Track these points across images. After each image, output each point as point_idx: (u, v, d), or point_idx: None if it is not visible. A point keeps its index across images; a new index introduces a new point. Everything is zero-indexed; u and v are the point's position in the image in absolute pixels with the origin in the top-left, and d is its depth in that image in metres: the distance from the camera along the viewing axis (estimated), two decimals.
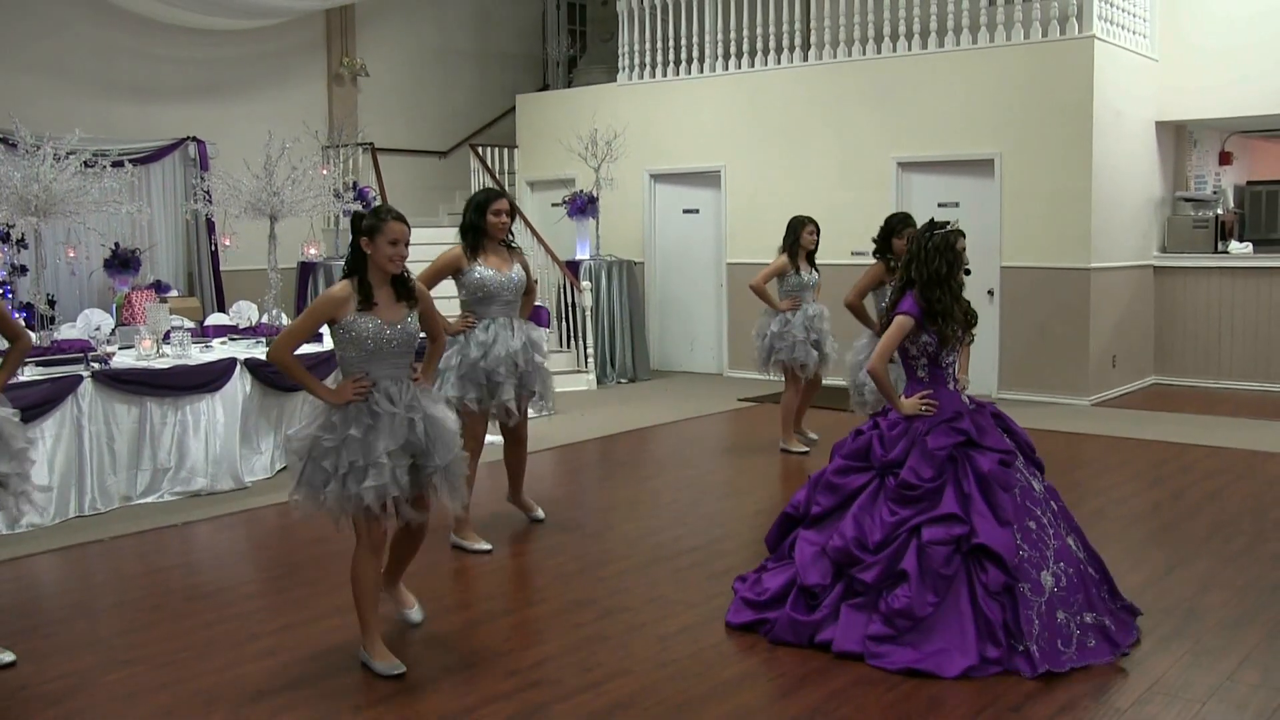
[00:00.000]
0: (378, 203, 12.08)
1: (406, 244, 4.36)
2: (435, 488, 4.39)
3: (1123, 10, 10.88)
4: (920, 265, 4.75)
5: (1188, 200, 12.02)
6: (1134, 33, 11.14)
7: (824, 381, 8.72)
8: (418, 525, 4.58)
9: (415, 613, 4.85)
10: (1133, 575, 5.30)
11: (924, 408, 4.70)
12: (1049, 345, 10.47)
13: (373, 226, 4.32)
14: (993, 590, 4.36)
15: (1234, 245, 11.68)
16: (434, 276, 5.86)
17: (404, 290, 4.42)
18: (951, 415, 4.67)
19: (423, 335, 4.57)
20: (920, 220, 5.44)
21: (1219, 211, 11.89)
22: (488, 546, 6.00)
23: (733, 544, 6.15)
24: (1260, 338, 11.28)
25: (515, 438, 6.35)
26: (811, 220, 8.28)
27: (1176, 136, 12.17)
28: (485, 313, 5.99)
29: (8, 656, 4.50)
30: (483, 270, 5.94)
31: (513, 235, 6.13)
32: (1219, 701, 4.07)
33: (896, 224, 7.03)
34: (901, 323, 4.72)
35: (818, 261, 8.41)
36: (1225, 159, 12.77)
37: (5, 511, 4.47)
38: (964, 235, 4.84)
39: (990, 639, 4.32)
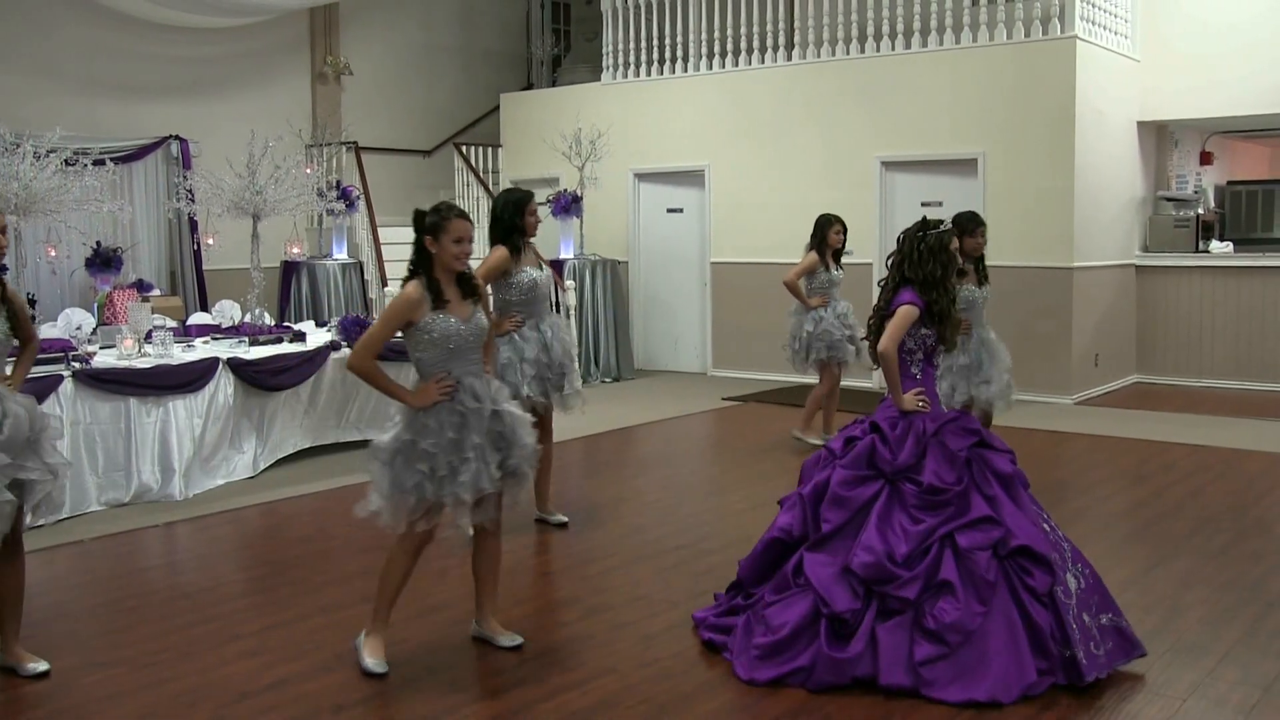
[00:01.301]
0: (361, 202, 12.08)
1: (470, 240, 4.33)
2: (522, 478, 4.40)
3: (1104, 11, 10.93)
4: (914, 267, 4.66)
5: (1169, 200, 12.08)
6: (1115, 33, 11.19)
7: (848, 383, 8.77)
8: (490, 536, 4.52)
9: (512, 638, 4.62)
10: (1115, 573, 5.31)
11: (920, 404, 4.56)
12: (1032, 344, 10.51)
13: (436, 225, 4.27)
14: (1040, 594, 4.14)
15: (1215, 245, 11.75)
16: (486, 279, 5.83)
17: (468, 286, 4.39)
18: (952, 415, 4.59)
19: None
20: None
21: (1200, 211, 11.96)
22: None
23: (716, 543, 6.15)
24: (1240, 336, 11.35)
25: (546, 432, 6.27)
26: (839, 219, 8.35)
27: (1158, 136, 12.23)
28: (531, 312, 6.03)
29: (41, 665, 4.40)
30: (531, 271, 6.00)
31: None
32: (1199, 698, 4.09)
33: (966, 222, 6.69)
34: (908, 312, 4.56)
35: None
36: (1206, 159, 12.85)
37: (34, 512, 4.44)
38: (955, 234, 4.78)
39: (1041, 650, 4.10)
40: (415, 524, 4.26)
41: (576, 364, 6.33)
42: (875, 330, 4.75)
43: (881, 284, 4.84)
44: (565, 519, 6.44)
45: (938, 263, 4.63)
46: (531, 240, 6.13)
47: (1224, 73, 11.14)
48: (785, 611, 4.32)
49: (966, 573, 4.17)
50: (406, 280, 4.34)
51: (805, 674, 4.20)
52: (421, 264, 4.31)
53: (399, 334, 4.38)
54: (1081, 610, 4.21)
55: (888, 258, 4.85)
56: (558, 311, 6.46)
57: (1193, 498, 7.08)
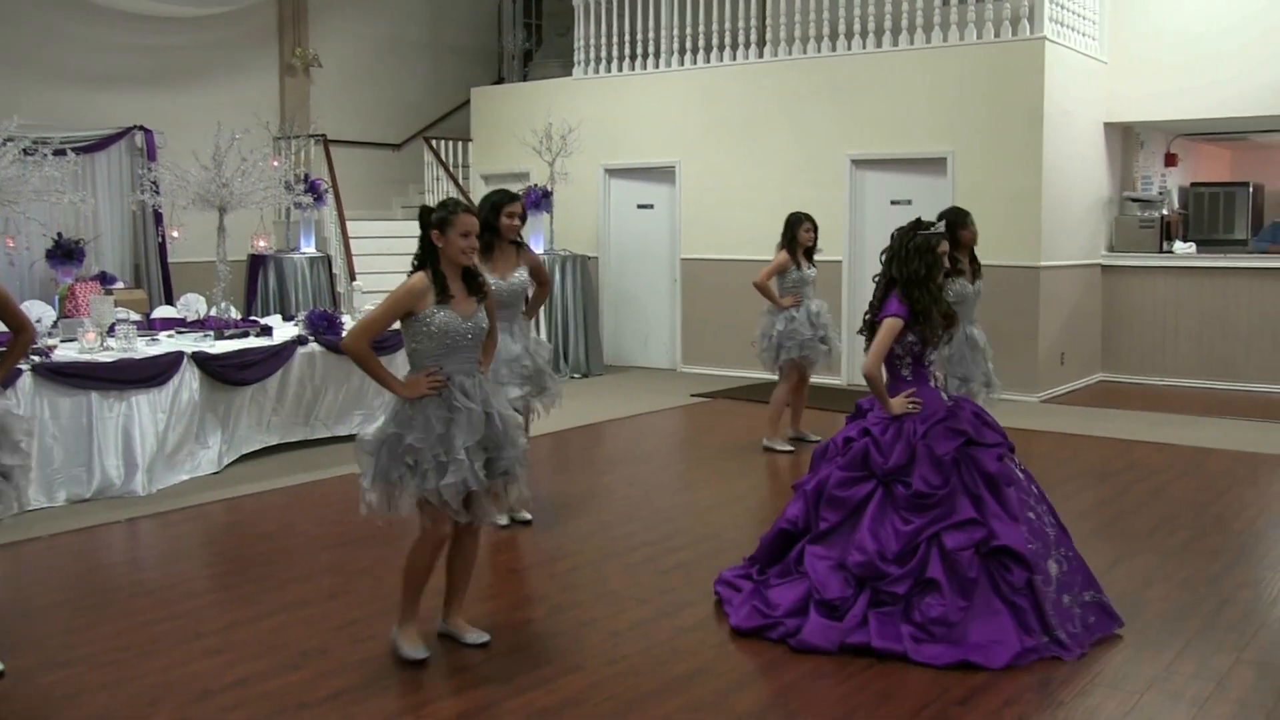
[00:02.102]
0: (329, 195, 12.01)
1: (477, 235, 4.34)
2: (514, 479, 4.40)
3: (1073, 13, 11.01)
4: (900, 264, 4.81)
5: (1134, 201, 12.19)
6: (1084, 35, 11.28)
7: (811, 379, 8.69)
8: (471, 534, 4.52)
9: (479, 635, 4.63)
10: None
11: (910, 406, 4.74)
12: (999, 342, 10.47)
13: (444, 219, 4.29)
14: (1017, 588, 4.44)
15: (1178, 245, 11.86)
16: None
17: (474, 284, 4.39)
18: (944, 415, 4.73)
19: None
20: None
21: (1164, 212, 12.07)
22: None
23: (684, 539, 6.16)
24: (1203, 336, 11.47)
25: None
26: (809, 217, 8.28)
27: (1124, 138, 12.34)
28: (504, 316, 5.97)
29: None
30: (494, 280, 5.86)
31: (521, 236, 6.14)
32: (1156, 692, 4.14)
33: (957, 217, 6.65)
34: (892, 325, 4.74)
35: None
36: (1170, 160, 12.97)
37: (4, 504, 4.36)
38: (945, 238, 4.90)
39: (1026, 630, 4.40)
40: (440, 524, 4.29)
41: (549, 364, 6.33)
42: (869, 325, 4.94)
43: (875, 279, 5.01)
44: (529, 516, 6.42)
45: (923, 262, 4.78)
46: (516, 243, 6.07)
47: (1189, 77, 11.25)
48: (783, 594, 4.70)
49: (951, 570, 4.46)
50: (411, 273, 4.34)
51: (789, 630, 4.55)
52: (427, 258, 4.32)
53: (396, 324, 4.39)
54: (1061, 593, 4.53)
55: (881, 253, 4.99)
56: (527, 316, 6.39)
57: (1155, 495, 7.15)
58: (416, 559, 4.41)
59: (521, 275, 6.07)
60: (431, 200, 13.41)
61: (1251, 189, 12.85)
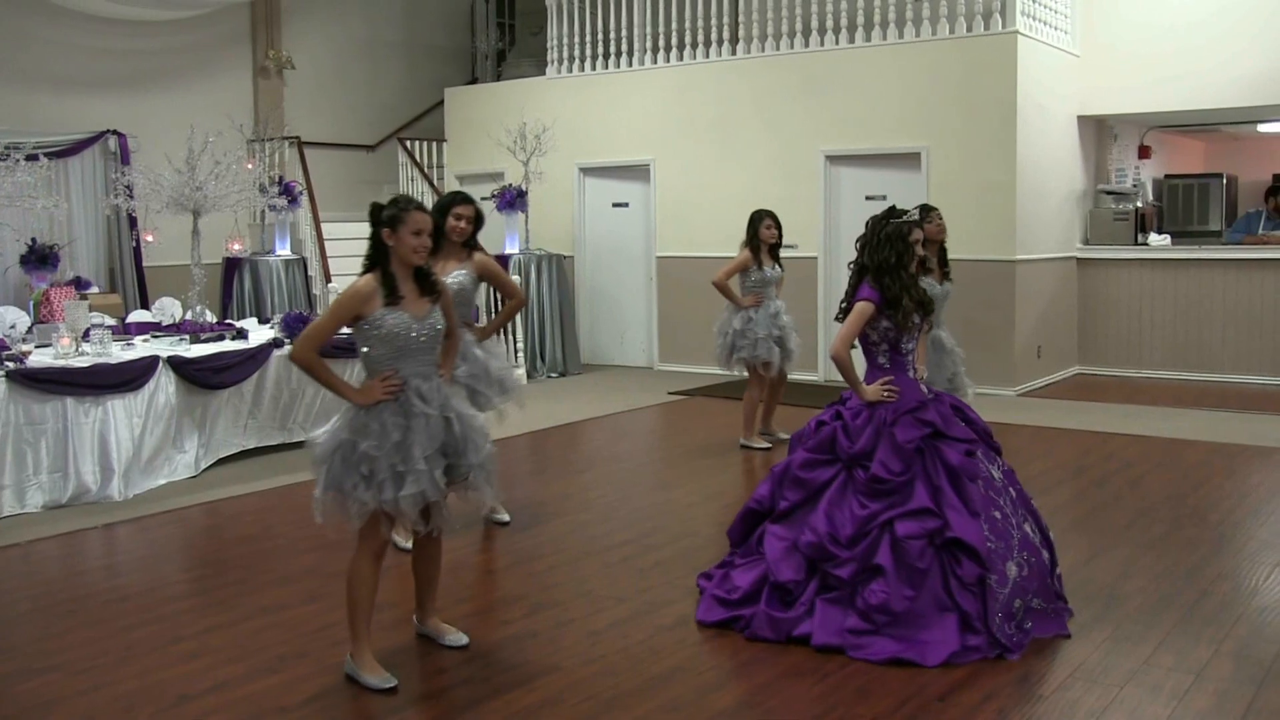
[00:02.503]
0: (304, 197, 11.95)
1: (430, 233, 4.20)
2: (475, 487, 4.28)
3: (1045, 7, 11.05)
4: (872, 251, 4.80)
5: (1109, 193, 12.25)
6: (1056, 29, 11.32)
7: (789, 377, 8.66)
8: (435, 538, 4.42)
9: (458, 637, 4.58)
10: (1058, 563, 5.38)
11: (886, 394, 4.72)
12: (975, 336, 10.60)
13: (394, 217, 4.14)
14: (967, 583, 4.40)
15: (1153, 237, 11.93)
16: None
17: (426, 284, 4.25)
18: (915, 405, 4.70)
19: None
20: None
21: (1139, 204, 12.14)
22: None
23: (662, 538, 6.16)
24: (1178, 328, 11.54)
25: None
26: (770, 214, 8.19)
27: (1097, 131, 12.40)
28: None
29: None
30: (456, 275, 5.79)
31: (476, 240, 5.99)
32: (1136, 685, 4.16)
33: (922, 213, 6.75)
34: (862, 309, 4.73)
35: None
36: (1144, 153, 13.04)
37: None
38: (920, 226, 4.90)
39: (969, 629, 4.37)
40: (377, 530, 4.16)
41: (511, 365, 6.26)
42: (845, 314, 4.91)
43: (850, 266, 4.99)
44: (508, 517, 6.40)
45: (893, 250, 4.76)
46: (469, 245, 5.90)
47: (1161, 70, 11.30)
48: (743, 576, 4.77)
49: (899, 558, 4.43)
50: (363, 274, 4.23)
51: (745, 623, 4.62)
52: (378, 258, 4.19)
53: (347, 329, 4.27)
54: (1014, 596, 4.48)
55: (856, 240, 4.98)
56: (477, 319, 6.29)
57: (1132, 488, 7.18)
58: (358, 574, 4.22)
59: (460, 275, 5.81)
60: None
61: (1225, 180, 12.94)
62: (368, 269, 4.21)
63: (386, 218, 4.17)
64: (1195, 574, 5.41)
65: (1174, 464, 7.84)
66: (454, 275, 5.80)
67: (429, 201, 11.75)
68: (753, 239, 8.12)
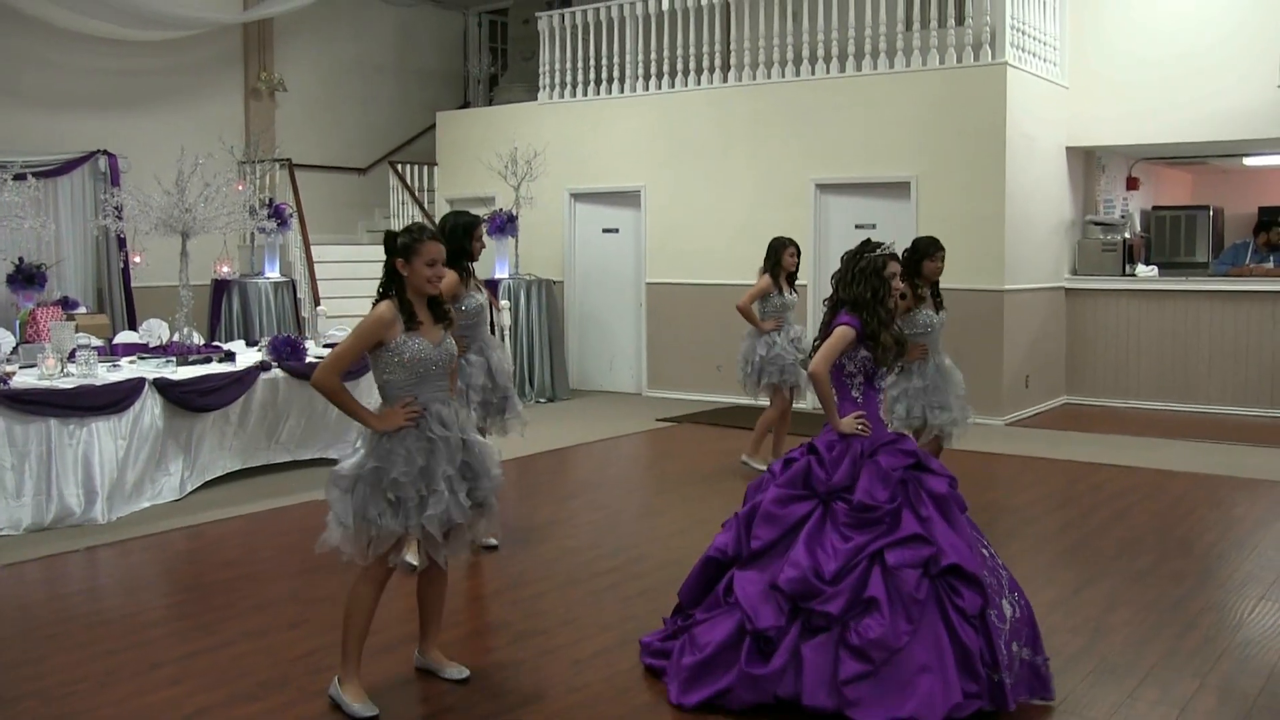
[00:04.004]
0: (294, 219, 11.94)
1: (443, 263, 4.24)
2: (490, 508, 4.30)
3: (1034, 39, 11.13)
4: (846, 286, 4.66)
5: (1097, 224, 12.31)
6: (1045, 60, 11.40)
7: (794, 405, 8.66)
8: (443, 565, 4.40)
9: (458, 670, 4.52)
10: (1043, 594, 5.38)
11: (860, 427, 4.51)
12: (963, 366, 10.48)
13: (408, 246, 4.15)
14: (970, 615, 4.06)
15: (1141, 268, 11.98)
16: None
17: (439, 311, 4.29)
18: (892, 438, 4.52)
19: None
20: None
21: (1126, 235, 12.20)
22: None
23: (649, 565, 6.14)
24: (1166, 358, 11.58)
25: None
26: (793, 242, 8.28)
27: (1086, 162, 12.47)
28: (475, 336, 6.02)
29: None
30: (477, 296, 6.01)
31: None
32: (1120, 719, 4.14)
33: (926, 247, 6.74)
34: (844, 332, 4.56)
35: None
36: (1132, 184, 13.11)
37: None
38: (897, 259, 4.73)
39: (969, 673, 4.02)
40: (383, 556, 4.15)
41: (513, 386, 6.36)
42: (817, 349, 4.72)
43: (825, 302, 4.84)
44: (495, 542, 6.38)
45: (868, 285, 4.60)
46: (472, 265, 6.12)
47: (1149, 102, 11.39)
48: (711, 630, 4.30)
49: (894, 590, 4.08)
50: (376, 302, 4.24)
51: (725, 694, 4.18)
52: (393, 286, 4.20)
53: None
54: (1013, 638, 4.18)
55: (832, 276, 4.83)
56: (493, 333, 6.46)
57: (1119, 519, 7.19)
58: (358, 599, 4.22)
59: (482, 296, 6.09)
60: (397, 225, 13.38)
61: (1212, 212, 13.02)
62: (381, 297, 4.23)
63: (401, 247, 4.18)
64: (1181, 606, 5.40)
65: (1160, 495, 7.84)
66: (479, 296, 6.03)
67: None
68: (774, 266, 8.20)
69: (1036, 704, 4.23)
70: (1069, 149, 11.94)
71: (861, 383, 4.63)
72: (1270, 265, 11.61)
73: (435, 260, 4.19)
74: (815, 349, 4.73)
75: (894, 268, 4.67)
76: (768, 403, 8.43)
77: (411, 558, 4.66)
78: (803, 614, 4.14)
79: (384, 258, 4.25)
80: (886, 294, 4.62)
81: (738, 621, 4.24)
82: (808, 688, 4.05)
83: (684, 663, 4.30)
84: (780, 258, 8.20)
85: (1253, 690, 4.40)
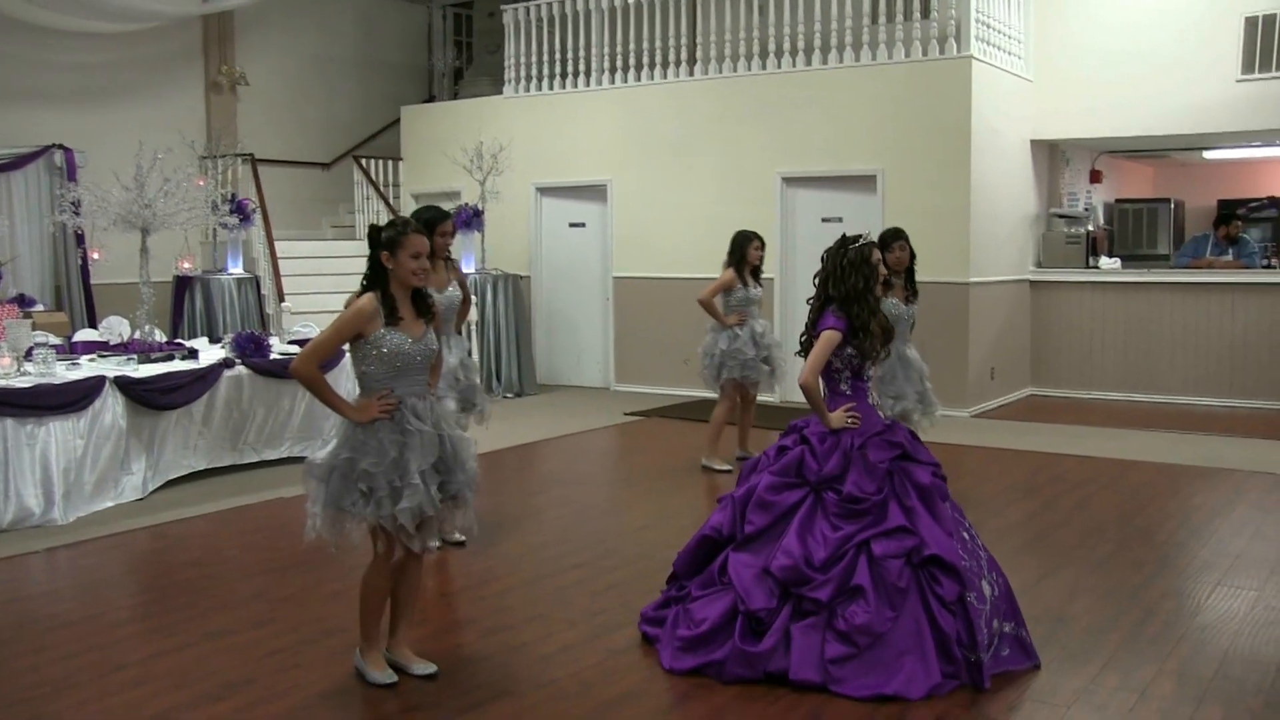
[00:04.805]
0: (257, 215, 11.84)
1: (435, 251, 4.27)
2: (464, 502, 4.34)
3: (999, 33, 11.19)
4: (838, 282, 4.76)
5: (1061, 217, 12.40)
6: (1010, 54, 11.46)
7: (759, 398, 8.65)
8: (416, 560, 4.44)
9: (426, 666, 4.50)
10: None
11: (850, 420, 4.69)
12: (929, 358, 10.60)
13: (393, 240, 4.20)
14: (948, 601, 4.34)
15: (1104, 261, 12.08)
16: None
17: (423, 305, 4.32)
18: (881, 429, 4.69)
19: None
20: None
21: (1090, 228, 12.29)
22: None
23: (616, 560, 6.13)
24: (1129, 350, 11.69)
25: None
26: (757, 235, 8.22)
27: (1050, 155, 12.55)
28: (442, 331, 6.00)
29: None
30: (452, 291, 6.14)
31: (449, 252, 6.21)
32: (1082, 705, 4.19)
33: (886, 239, 6.86)
34: (830, 337, 4.71)
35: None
36: (1096, 177, 13.21)
37: None
38: (877, 247, 4.87)
39: (946, 654, 4.29)
40: (390, 548, 4.23)
41: (478, 383, 6.44)
42: (806, 347, 4.89)
43: (809, 302, 4.95)
44: (464, 539, 6.36)
45: (860, 275, 4.75)
46: (451, 259, 6.19)
47: (1112, 96, 11.48)
48: (707, 607, 4.56)
49: (879, 579, 4.35)
50: (359, 294, 4.28)
51: (719, 667, 4.40)
52: (377, 280, 4.24)
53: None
54: (993, 616, 4.45)
55: (814, 276, 4.93)
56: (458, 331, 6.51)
57: (1080, 508, 7.25)
58: (372, 584, 4.36)
59: (455, 291, 6.17)
60: (361, 220, 13.31)
61: (1173, 205, 13.15)
62: (364, 290, 4.27)
63: (385, 240, 4.23)
64: (1140, 594, 5.46)
65: (1121, 485, 7.92)
66: (450, 290, 6.11)
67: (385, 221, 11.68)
68: (739, 260, 8.15)
69: (1011, 686, 4.33)
70: (1033, 142, 12.02)
71: (849, 376, 4.82)
72: (1230, 258, 11.74)
73: (420, 253, 4.23)
74: (802, 346, 4.89)
75: (878, 254, 4.85)
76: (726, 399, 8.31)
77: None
78: (793, 598, 4.41)
79: (368, 252, 4.28)
80: (875, 281, 4.79)
81: (732, 601, 4.50)
82: (795, 664, 4.29)
83: (679, 633, 4.56)
84: (745, 251, 8.15)
85: (1208, 674, 4.47)
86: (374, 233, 4.28)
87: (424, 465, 4.17)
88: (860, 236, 4.88)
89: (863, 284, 4.74)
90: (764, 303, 8.59)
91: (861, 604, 4.31)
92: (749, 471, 4.86)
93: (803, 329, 4.98)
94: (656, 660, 4.62)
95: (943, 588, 4.35)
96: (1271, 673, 4.49)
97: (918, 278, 7.22)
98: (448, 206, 12.09)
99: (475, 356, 11.57)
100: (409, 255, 4.20)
